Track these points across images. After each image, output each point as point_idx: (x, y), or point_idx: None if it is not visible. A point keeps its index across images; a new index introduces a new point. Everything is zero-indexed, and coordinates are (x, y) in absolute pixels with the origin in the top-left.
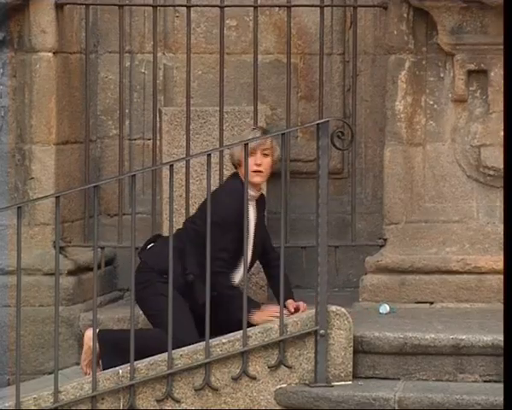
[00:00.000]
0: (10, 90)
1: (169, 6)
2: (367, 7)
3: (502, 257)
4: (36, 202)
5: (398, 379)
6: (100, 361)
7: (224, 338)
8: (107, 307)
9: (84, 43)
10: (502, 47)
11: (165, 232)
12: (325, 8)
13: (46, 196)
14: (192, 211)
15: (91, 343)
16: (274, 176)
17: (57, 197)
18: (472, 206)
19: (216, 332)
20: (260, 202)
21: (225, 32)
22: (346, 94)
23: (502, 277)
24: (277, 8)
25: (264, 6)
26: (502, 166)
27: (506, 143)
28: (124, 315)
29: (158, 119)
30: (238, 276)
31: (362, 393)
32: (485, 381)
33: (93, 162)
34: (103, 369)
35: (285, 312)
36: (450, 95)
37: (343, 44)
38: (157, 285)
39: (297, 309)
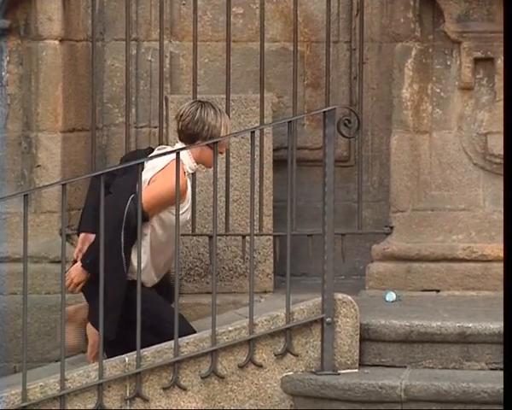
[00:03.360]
0: (17, 77)
1: None
2: None
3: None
4: (42, 189)
5: (405, 367)
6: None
7: (230, 326)
8: None
9: (91, 30)
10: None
11: None
12: None
13: (52, 184)
14: (198, 199)
15: (96, 337)
16: (280, 164)
17: (63, 185)
18: (478, 194)
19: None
20: None
21: (232, 19)
22: (352, 82)
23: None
24: None
25: None
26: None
27: (506, 130)
28: None
29: (164, 106)
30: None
31: (368, 381)
32: (491, 369)
33: (99, 150)
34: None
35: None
36: (456, 83)
37: (350, 32)
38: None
39: None
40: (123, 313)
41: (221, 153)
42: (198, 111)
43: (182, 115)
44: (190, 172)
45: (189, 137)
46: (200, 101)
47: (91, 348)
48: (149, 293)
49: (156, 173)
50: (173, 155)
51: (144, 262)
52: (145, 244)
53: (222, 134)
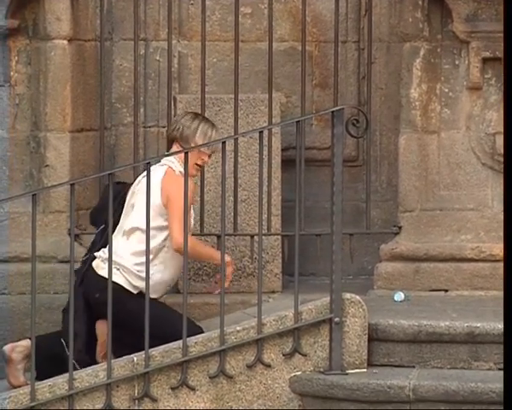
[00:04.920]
0: (25, 77)
1: None
2: None
3: None
4: (51, 189)
5: (413, 367)
6: None
7: (238, 326)
8: None
9: (99, 30)
10: None
11: None
12: None
13: (61, 184)
14: (206, 198)
15: (106, 337)
16: (289, 164)
17: (72, 185)
18: (487, 194)
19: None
20: None
21: (240, 19)
22: (360, 82)
23: None
24: None
25: None
26: None
27: (506, 130)
28: None
29: (172, 106)
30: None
31: (376, 381)
32: (499, 369)
33: (108, 150)
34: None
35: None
36: (465, 82)
37: (358, 32)
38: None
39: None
40: (132, 324)
41: (203, 160)
42: (177, 116)
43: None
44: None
45: (169, 142)
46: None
47: (100, 348)
48: (152, 301)
49: (162, 190)
50: (163, 168)
51: (163, 275)
52: (164, 255)
53: (197, 138)
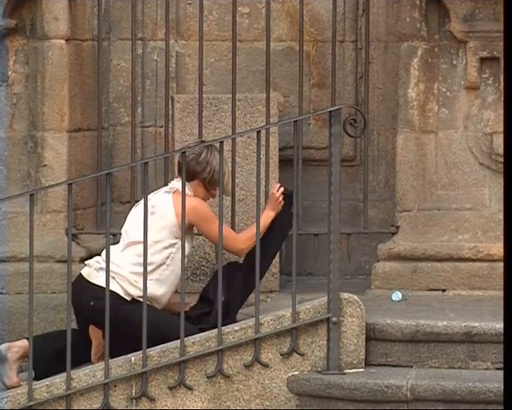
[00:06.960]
0: (23, 77)
1: None
2: None
3: None
4: (48, 189)
5: (411, 367)
6: None
7: (236, 326)
8: None
9: (97, 30)
10: None
11: None
12: None
13: (58, 184)
14: None
15: (101, 339)
16: (286, 163)
17: (69, 185)
18: (484, 193)
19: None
20: None
21: (238, 19)
22: (358, 81)
23: None
24: None
25: None
26: None
27: (506, 129)
28: None
29: (170, 106)
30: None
31: (374, 380)
32: (497, 368)
33: (105, 150)
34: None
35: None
36: (462, 82)
37: (356, 32)
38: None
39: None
40: (127, 330)
41: (213, 196)
42: (204, 152)
43: (186, 151)
44: None
45: (189, 173)
46: (207, 144)
47: (96, 350)
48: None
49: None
50: (169, 197)
51: (158, 291)
52: (162, 272)
53: (225, 182)
